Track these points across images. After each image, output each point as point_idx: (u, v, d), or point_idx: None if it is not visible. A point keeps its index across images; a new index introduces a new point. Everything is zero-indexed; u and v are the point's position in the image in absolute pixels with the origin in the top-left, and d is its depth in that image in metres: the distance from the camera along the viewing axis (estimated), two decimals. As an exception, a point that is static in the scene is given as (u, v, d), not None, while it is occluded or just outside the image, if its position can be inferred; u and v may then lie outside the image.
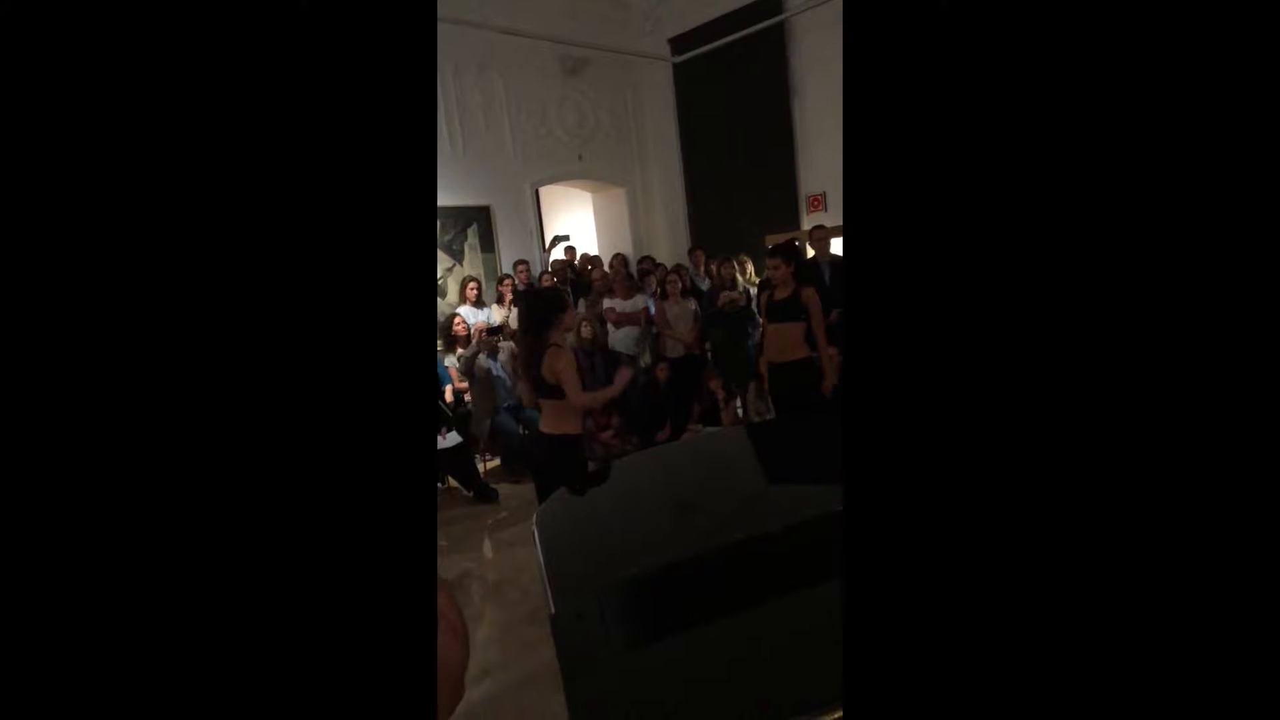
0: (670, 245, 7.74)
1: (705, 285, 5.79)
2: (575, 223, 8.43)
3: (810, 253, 5.48)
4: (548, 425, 2.67)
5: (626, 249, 7.37)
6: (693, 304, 5.36)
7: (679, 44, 7.31)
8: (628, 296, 5.50)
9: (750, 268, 5.82)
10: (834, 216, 6.31)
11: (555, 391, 2.59)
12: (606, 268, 6.05)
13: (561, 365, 2.56)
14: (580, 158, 7.33)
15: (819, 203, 6.75)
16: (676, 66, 7.37)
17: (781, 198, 6.90)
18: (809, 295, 3.64)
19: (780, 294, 3.71)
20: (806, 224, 6.47)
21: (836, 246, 5.50)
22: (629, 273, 5.93)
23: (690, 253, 6.50)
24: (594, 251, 7.24)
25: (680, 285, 5.33)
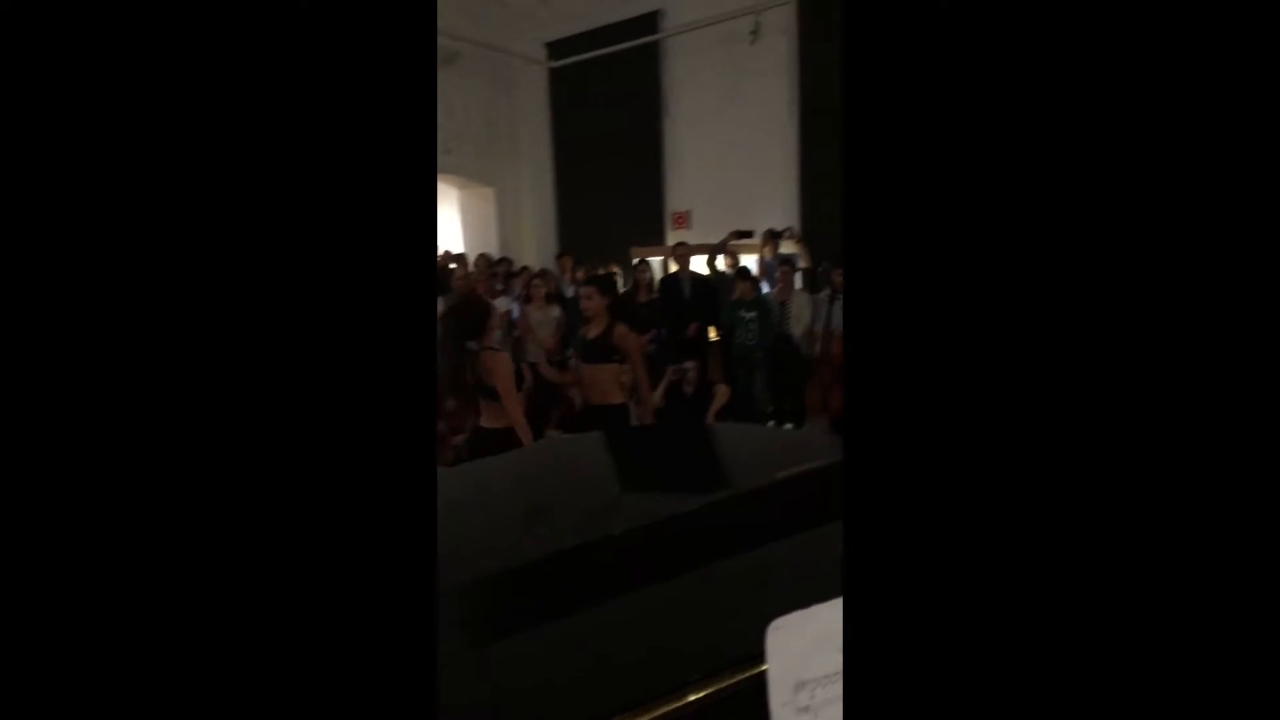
0: (537, 249, 7.67)
1: (570, 292, 5.78)
2: (440, 219, 8.15)
3: (674, 267, 5.62)
4: (488, 420, 2.77)
5: (492, 249, 7.22)
6: (556, 310, 5.34)
7: (556, 49, 7.29)
8: (491, 298, 5.39)
9: (619, 278, 5.88)
10: (698, 234, 6.51)
11: (492, 393, 2.69)
12: (470, 267, 5.89)
13: (500, 371, 2.66)
14: (448, 151, 7.11)
15: (683, 220, 6.96)
16: (553, 71, 7.35)
17: (648, 212, 7.05)
18: (622, 335, 3.30)
19: (593, 331, 3.34)
20: (670, 240, 6.64)
21: (698, 264, 5.68)
22: (493, 274, 5.81)
23: (558, 258, 6.47)
24: (458, 249, 7.03)
25: (545, 290, 5.29)
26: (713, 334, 5.49)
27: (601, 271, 4.97)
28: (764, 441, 2.56)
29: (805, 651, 0.50)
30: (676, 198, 7.00)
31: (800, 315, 5.12)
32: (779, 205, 6.31)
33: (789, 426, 5.22)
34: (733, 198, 6.51)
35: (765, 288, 5.37)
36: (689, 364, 4.56)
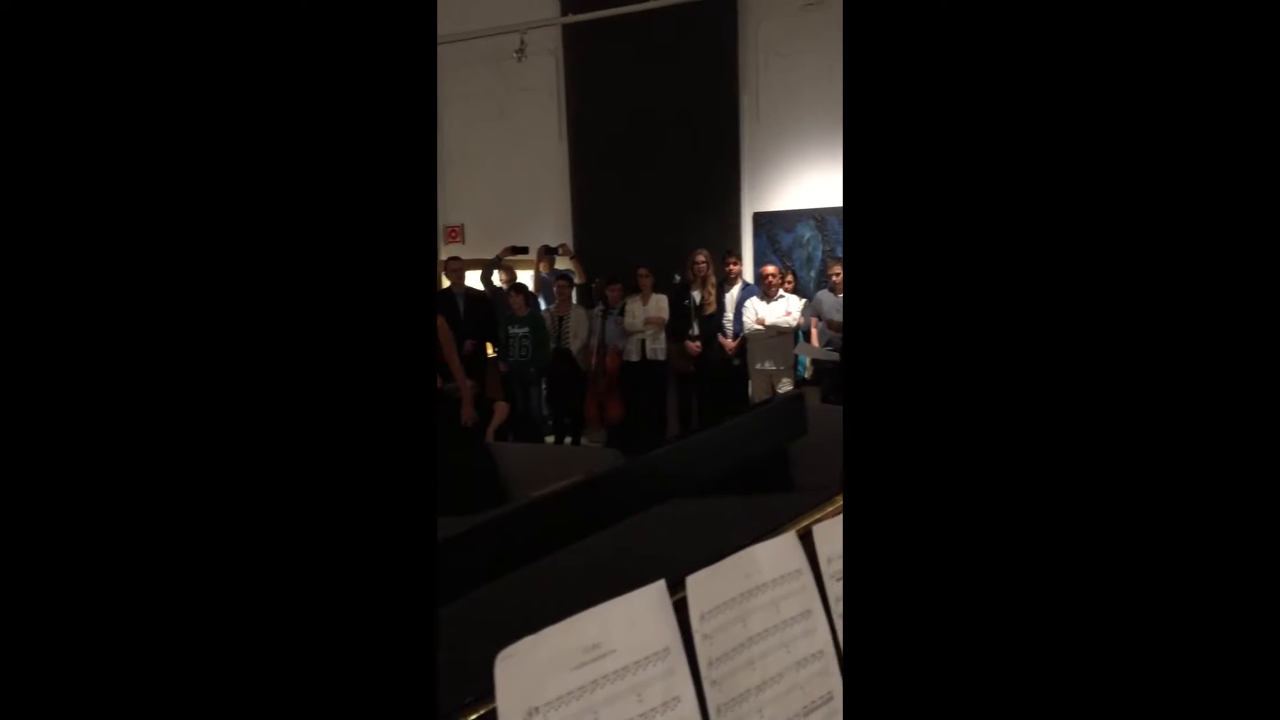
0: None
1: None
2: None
3: (446, 283, 5.46)
4: None
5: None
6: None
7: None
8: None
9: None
10: (471, 249, 6.39)
11: None
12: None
13: None
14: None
15: (456, 234, 6.79)
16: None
17: (419, 226, 6.79)
18: (441, 328, 3.64)
19: None
20: (444, 254, 6.45)
21: (471, 279, 5.58)
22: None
23: (316, 274, 5.99)
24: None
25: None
26: (490, 350, 5.41)
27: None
28: (540, 458, 2.56)
29: (536, 676, 0.49)
30: (449, 211, 6.81)
31: (578, 330, 5.23)
32: (552, 221, 6.39)
33: (568, 440, 5.28)
34: (506, 213, 6.48)
35: (543, 303, 5.40)
36: (471, 383, 4.44)
